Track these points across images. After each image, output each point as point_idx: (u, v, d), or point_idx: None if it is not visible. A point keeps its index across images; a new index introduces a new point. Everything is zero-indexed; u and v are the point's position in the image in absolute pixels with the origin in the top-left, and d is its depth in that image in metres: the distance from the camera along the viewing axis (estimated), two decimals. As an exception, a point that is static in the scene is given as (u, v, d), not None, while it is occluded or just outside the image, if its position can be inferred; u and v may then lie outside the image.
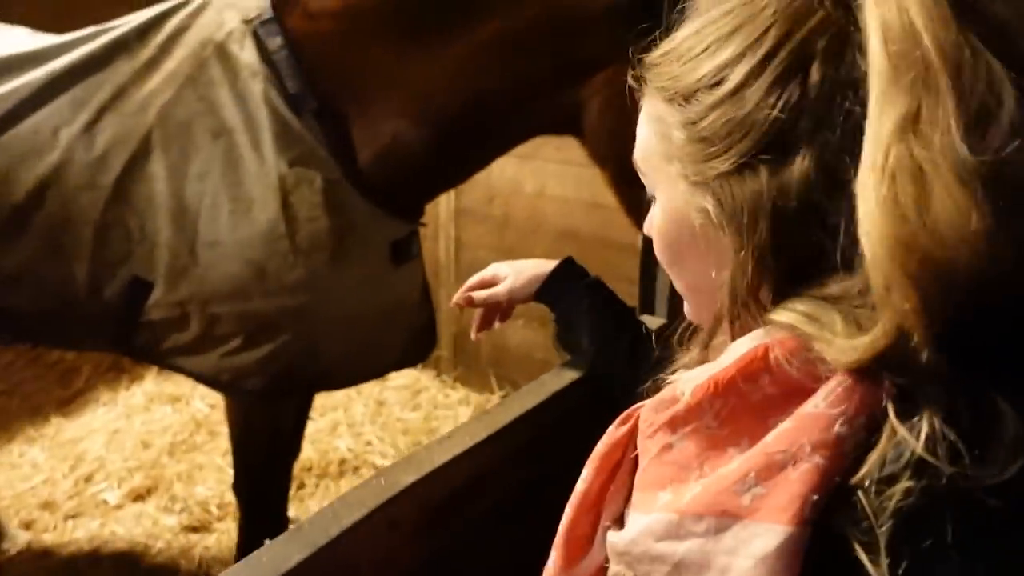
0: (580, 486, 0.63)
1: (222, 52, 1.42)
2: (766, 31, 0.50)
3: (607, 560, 0.60)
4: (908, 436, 0.42)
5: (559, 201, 2.62)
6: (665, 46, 0.58)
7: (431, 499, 0.87)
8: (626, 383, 1.00)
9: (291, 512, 2.19)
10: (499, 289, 1.10)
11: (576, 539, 0.63)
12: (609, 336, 1.02)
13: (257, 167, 1.37)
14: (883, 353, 0.43)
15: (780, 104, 0.48)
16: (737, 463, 0.49)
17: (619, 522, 0.60)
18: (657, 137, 0.57)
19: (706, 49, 0.53)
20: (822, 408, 0.46)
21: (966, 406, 0.42)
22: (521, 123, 1.45)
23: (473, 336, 1.15)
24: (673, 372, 0.73)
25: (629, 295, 1.24)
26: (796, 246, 0.49)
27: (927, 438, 0.42)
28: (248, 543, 1.86)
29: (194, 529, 2.23)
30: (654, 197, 0.61)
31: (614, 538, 0.57)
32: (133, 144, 1.40)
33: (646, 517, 0.54)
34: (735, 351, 0.52)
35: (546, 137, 2.58)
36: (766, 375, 0.49)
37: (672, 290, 1.25)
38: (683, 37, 0.56)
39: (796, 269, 0.50)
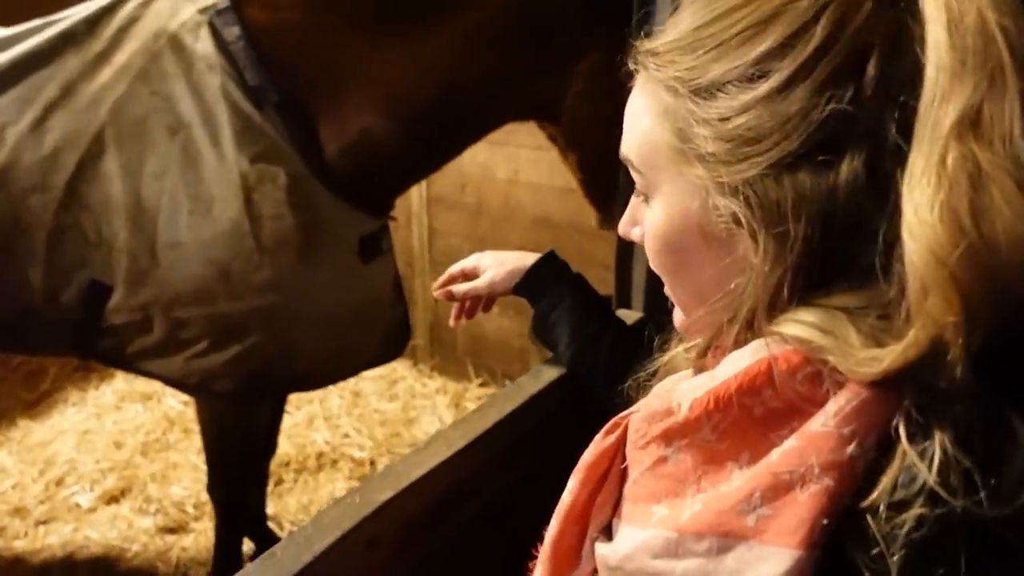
0: (567, 497, 0.61)
1: (176, 43, 1.36)
2: (815, 19, 0.45)
3: (595, 572, 0.59)
4: (919, 463, 0.41)
5: (532, 187, 2.59)
6: (670, 33, 0.53)
7: (409, 514, 0.85)
8: (607, 384, 0.98)
9: (269, 509, 2.16)
10: (479, 283, 1.08)
11: (563, 551, 0.61)
12: (591, 336, 1.00)
13: (217, 164, 1.32)
14: (911, 365, 0.41)
15: (833, 103, 0.45)
16: (741, 481, 0.47)
17: (607, 533, 0.59)
18: (669, 133, 0.52)
19: (736, 37, 0.48)
20: (831, 427, 0.44)
21: (981, 429, 0.41)
22: (493, 113, 1.42)
23: (452, 324, 1.14)
24: (654, 373, 0.71)
25: (603, 281, 1.23)
26: (833, 254, 0.46)
27: (940, 464, 0.40)
28: (225, 546, 1.84)
29: (171, 530, 2.20)
30: (646, 197, 0.57)
31: (605, 551, 0.55)
32: (85, 143, 1.34)
33: (642, 532, 0.52)
34: (735, 364, 0.50)
35: (518, 123, 2.56)
36: (768, 389, 0.47)
37: (649, 283, 1.23)
38: (695, 24, 0.51)
39: (822, 278, 0.47)
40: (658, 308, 1.21)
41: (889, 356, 0.42)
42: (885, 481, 0.42)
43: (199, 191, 1.33)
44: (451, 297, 1.12)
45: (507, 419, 0.97)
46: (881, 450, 0.43)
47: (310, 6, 1.36)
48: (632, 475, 0.55)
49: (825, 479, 0.44)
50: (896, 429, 0.42)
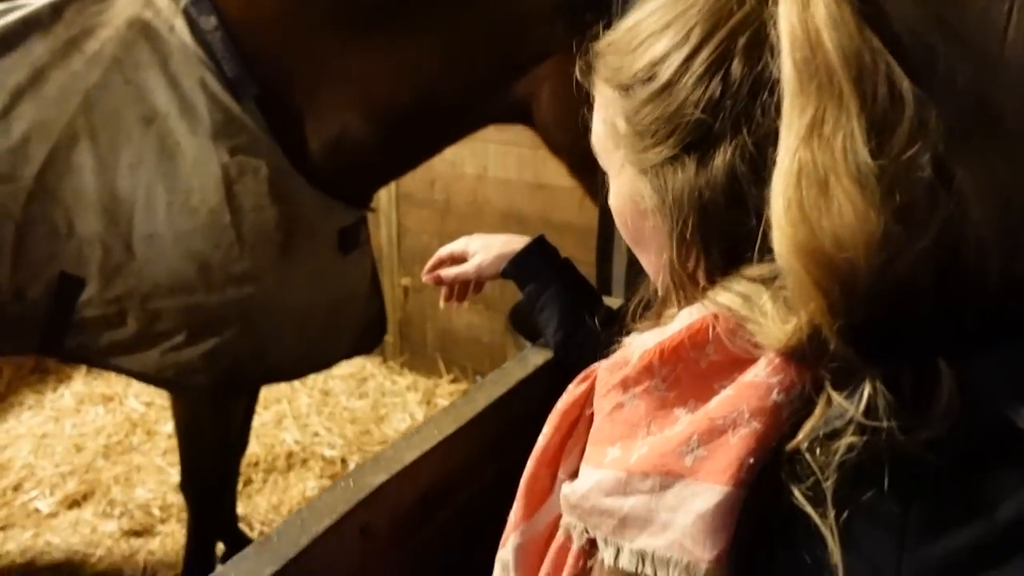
0: (541, 441, 0.67)
1: (150, 33, 1.33)
2: (693, 27, 0.51)
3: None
4: (845, 403, 0.45)
5: (501, 183, 2.60)
6: (611, 36, 0.59)
7: (403, 499, 0.85)
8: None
9: (239, 510, 2.12)
10: (467, 267, 1.09)
11: (535, 491, 0.67)
12: (579, 321, 1.01)
13: (196, 155, 1.30)
14: (805, 342, 0.46)
15: (704, 101, 0.50)
16: (681, 426, 0.53)
17: (575, 476, 0.63)
18: (605, 124, 0.59)
19: (643, 43, 0.55)
20: (761, 377, 0.49)
21: (909, 372, 0.44)
22: (471, 117, 1.43)
23: (442, 306, 1.16)
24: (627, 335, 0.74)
25: (577, 275, 1.24)
26: (724, 233, 0.52)
27: (868, 399, 0.44)
28: (197, 543, 1.80)
29: (136, 533, 2.15)
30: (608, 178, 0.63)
31: (568, 491, 0.60)
32: (55, 133, 1.30)
33: (597, 472, 0.57)
34: (681, 320, 0.55)
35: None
36: (710, 345, 0.52)
37: (628, 271, 1.25)
38: (625, 28, 0.58)
39: (728, 253, 0.52)
40: (636, 292, 1.23)
41: (785, 334, 0.46)
42: (809, 425, 0.47)
43: (177, 183, 1.30)
44: (439, 281, 1.13)
45: (496, 404, 0.98)
46: (808, 400, 0.48)
47: (291, 1, 1.35)
48: (596, 420, 0.61)
49: (753, 423, 0.49)
50: (823, 379, 0.47)
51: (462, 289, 1.13)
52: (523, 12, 1.29)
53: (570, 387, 0.67)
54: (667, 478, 0.52)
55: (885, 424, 0.43)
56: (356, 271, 1.54)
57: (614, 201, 0.61)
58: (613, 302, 1.26)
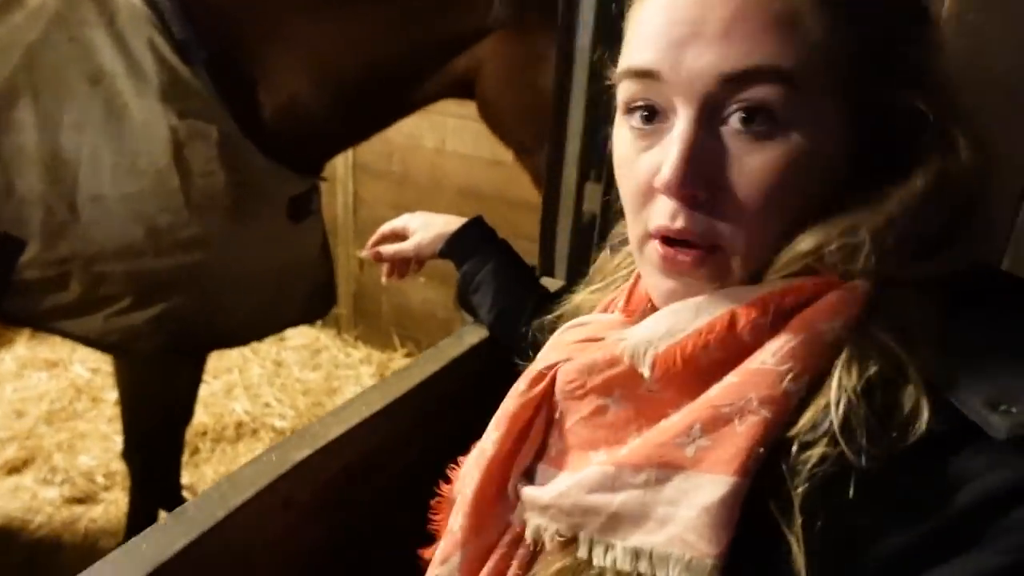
0: (489, 449, 0.60)
1: None
2: None
3: (513, 518, 0.60)
4: (833, 405, 0.44)
5: (459, 157, 2.59)
6: None
7: (327, 474, 0.84)
8: (528, 348, 1.00)
9: (185, 479, 2.11)
10: (406, 245, 1.10)
11: (486, 500, 0.61)
12: (513, 300, 1.02)
13: (144, 117, 1.28)
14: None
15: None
16: (679, 416, 0.49)
17: (529, 479, 0.59)
18: (825, 51, 0.47)
19: None
20: (770, 364, 0.47)
21: (881, 381, 0.45)
22: (417, 89, 1.42)
23: (384, 282, 1.15)
24: (559, 316, 0.73)
25: (530, 252, 1.25)
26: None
27: (845, 409, 0.44)
28: (138, 514, 1.79)
29: (79, 501, 2.12)
30: (767, 130, 0.47)
31: (535, 493, 0.56)
32: None
33: (577, 473, 0.53)
34: (695, 317, 0.50)
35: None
36: (720, 341, 0.48)
37: (572, 253, 1.26)
38: None
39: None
40: (577, 276, 1.24)
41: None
42: (808, 415, 0.46)
43: (124, 144, 1.28)
44: (379, 258, 1.13)
45: (428, 381, 0.98)
46: (810, 389, 0.46)
47: None
48: (567, 423, 0.56)
49: (763, 411, 0.46)
50: (830, 370, 0.46)
51: (402, 266, 1.13)
52: None
53: (520, 389, 0.60)
54: (664, 470, 0.48)
55: (856, 440, 0.43)
56: (307, 239, 1.54)
57: (804, 150, 0.47)
58: (556, 283, 1.27)
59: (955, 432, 0.43)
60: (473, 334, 1.07)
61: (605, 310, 0.66)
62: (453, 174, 2.61)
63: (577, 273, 1.26)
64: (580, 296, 0.73)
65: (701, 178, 0.48)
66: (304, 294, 1.58)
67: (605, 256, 0.74)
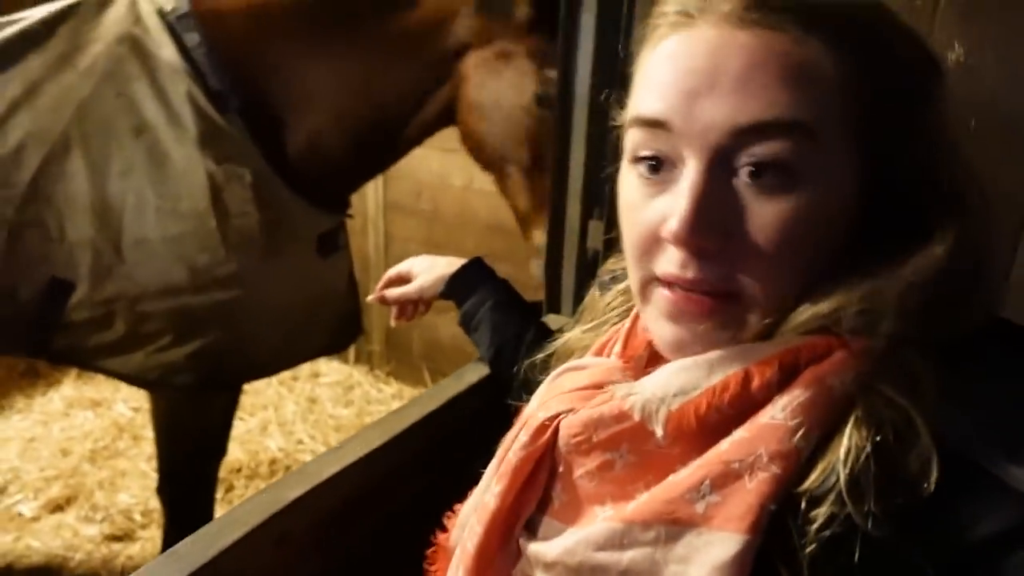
0: (492, 503, 0.58)
1: (138, 47, 1.39)
2: None
3: (515, 573, 0.59)
4: (840, 463, 0.44)
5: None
6: None
7: (322, 511, 0.86)
8: (523, 383, 1.00)
9: (219, 515, 2.15)
10: (410, 288, 1.12)
11: (488, 555, 0.59)
12: (510, 336, 1.03)
13: (184, 164, 1.36)
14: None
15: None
16: (689, 471, 0.48)
17: (531, 531, 0.58)
18: (841, 102, 0.46)
19: None
20: (780, 419, 0.46)
21: (891, 435, 0.44)
22: (421, 121, 1.49)
23: (392, 324, 1.18)
24: (550, 355, 0.73)
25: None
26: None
27: (852, 467, 0.43)
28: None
29: (117, 538, 2.17)
30: (785, 181, 0.46)
31: (540, 548, 0.55)
32: (50, 141, 1.36)
33: (584, 529, 0.52)
34: (709, 375, 0.49)
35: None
36: (733, 398, 0.48)
37: (577, 289, 1.26)
38: None
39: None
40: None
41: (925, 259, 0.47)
42: (818, 471, 0.45)
43: (165, 190, 1.36)
44: (385, 301, 1.15)
45: (426, 419, 0.98)
46: (819, 444, 0.46)
47: (252, 17, 1.41)
48: (572, 476, 0.55)
49: (773, 467, 0.45)
50: (833, 427, 0.45)
51: (409, 308, 1.16)
52: (454, 6, 1.36)
53: (523, 441, 0.58)
54: (675, 527, 0.47)
55: (865, 501, 0.42)
56: (334, 273, 1.60)
57: (816, 203, 0.46)
58: (562, 320, 1.28)
59: (965, 486, 0.43)
60: (474, 372, 1.08)
61: (600, 352, 0.64)
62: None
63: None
64: (571, 335, 0.72)
65: (711, 229, 0.47)
66: (331, 325, 1.64)
67: (594, 295, 0.73)
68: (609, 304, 0.69)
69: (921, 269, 0.46)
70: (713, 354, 0.50)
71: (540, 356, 0.75)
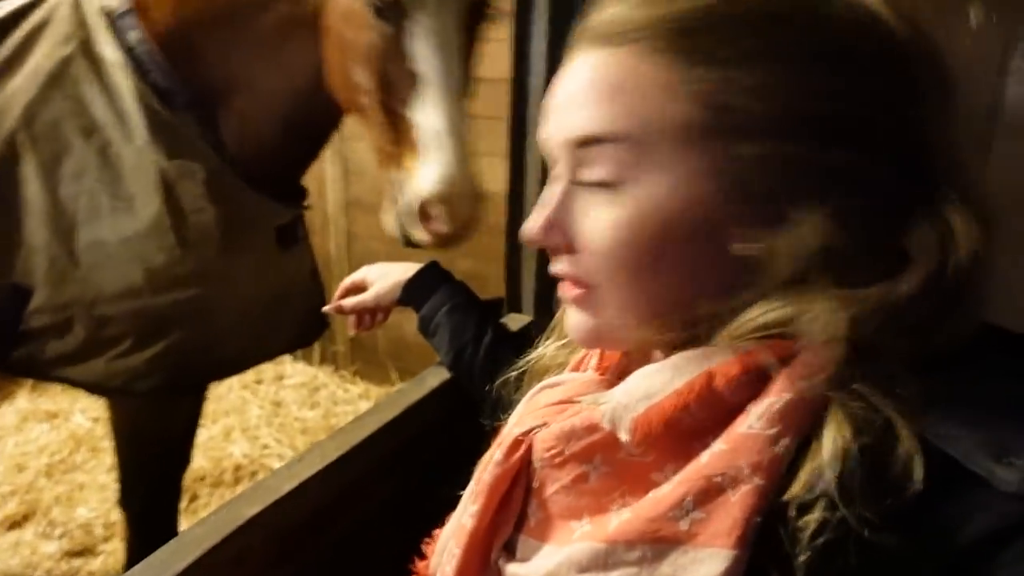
0: (469, 523, 0.58)
1: (86, 47, 1.36)
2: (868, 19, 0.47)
3: None
4: (826, 466, 0.43)
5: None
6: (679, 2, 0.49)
7: (281, 527, 0.84)
8: (483, 387, 1.00)
9: (183, 526, 2.11)
10: (366, 296, 1.11)
11: None
12: (469, 339, 1.02)
13: (135, 162, 1.33)
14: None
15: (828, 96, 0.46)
16: (670, 487, 0.47)
17: (510, 551, 0.58)
18: (693, 105, 0.47)
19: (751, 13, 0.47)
20: (757, 429, 0.45)
21: (874, 436, 0.43)
22: (333, 104, 1.41)
23: (351, 333, 1.17)
24: (523, 373, 0.72)
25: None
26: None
27: (840, 469, 0.43)
28: (137, 561, 1.79)
29: (77, 554, 2.11)
30: (612, 184, 0.50)
31: (522, 571, 0.54)
32: None
33: (565, 548, 0.51)
34: (673, 378, 0.49)
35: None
36: (700, 401, 0.47)
37: (538, 288, 1.26)
38: None
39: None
40: (546, 312, 1.24)
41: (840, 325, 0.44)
42: (803, 478, 0.44)
43: (118, 190, 1.33)
44: (342, 311, 1.14)
45: (387, 427, 0.97)
46: (799, 451, 0.45)
47: (175, 9, 1.36)
48: (547, 492, 0.55)
49: (755, 479, 0.45)
50: (812, 431, 0.45)
51: (366, 317, 1.14)
52: None
53: (497, 458, 0.58)
54: (659, 545, 0.46)
55: (856, 503, 0.42)
56: (296, 265, 1.58)
57: (646, 208, 0.49)
58: (523, 319, 1.27)
59: (951, 486, 0.42)
60: (435, 376, 1.07)
61: (577, 368, 0.64)
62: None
63: (544, 309, 1.26)
64: (544, 351, 0.71)
65: (552, 230, 0.54)
66: (296, 319, 1.62)
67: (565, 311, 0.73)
68: None
69: (883, 300, 0.45)
70: (677, 358, 0.50)
71: (514, 374, 0.74)
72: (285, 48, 1.34)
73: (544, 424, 0.56)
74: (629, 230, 0.49)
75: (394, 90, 1.20)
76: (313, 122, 1.38)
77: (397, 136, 1.22)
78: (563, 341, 0.69)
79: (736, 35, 0.47)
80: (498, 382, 0.77)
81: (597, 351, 0.62)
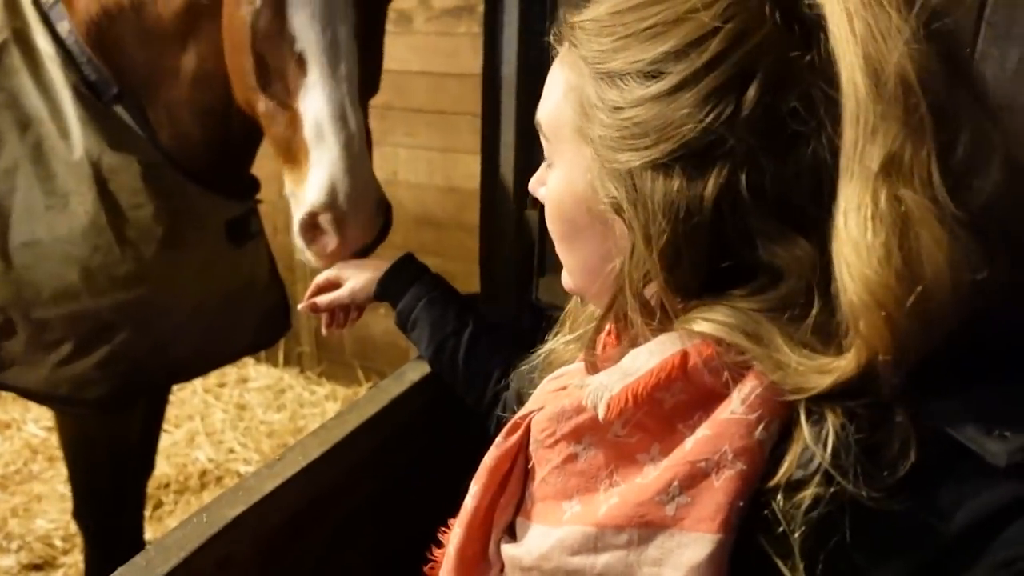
0: (469, 503, 0.60)
1: (20, 38, 1.30)
2: (714, 32, 0.47)
3: (501, 572, 0.60)
4: (815, 445, 0.44)
5: (412, 187, 2.58)
6: (593, 10, 0.54)
7: (265, 529, 0.82)
8: (467, 379, 0.99)
9: (148, 534, 2.05)
10: (340, 293, 1.09)
11: (469, 558, 0.61)
12: (449, 332, 1.01)
13: (68, 157, 1.26)
14: (848, 381, 0.44)
15: (712, 116, 0.46)
16: (657, 472, 0.49)
17: (510, 532, 0.59)
18: (573, 108, 0.54)
19: (643, 32, 0.49)
20: (740, 414, 0.47)
21: (865, 413, 0.44)
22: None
23: (324, 332, 1.15)
24: (535, 365, 0.73)
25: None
26: (700, 257, 0.48)
27: (834, 446, 0.43)
28: (97, 574, 1.73)
29: (36, 567, 2.04)
30: (550, 163, 0.59)
31: (517, 552, 0.56)
32: None
33: (556, 530, 0.53)
34: (648, 358, 0.51)
35: (395, 122, 2.51)
36: (679, 382, 0.49)
37: (518, 279, 1.25)
38: (615, 8, 0.52)
39: (699, 276, 0.49)
40: (524, 304, 1.23)
41: (836, 372, 0.43)
42: (788, 461, 0.45)
43: (53, 187, 1.26)
44: (316, 309, 1.11)
45: (368, 423, 0.96)
46: (782, 434, 0.46)
47: (99, 2, 1.31)
48: (540, 473, 0.56)
49: (738, 464, 0.46)
50: (796, 414, 0.45)
51: (341, 315, 1.12)
52: None
53: (498, 440, 0.60)
54: (647, 529, 0.48)
55: (851, 477, 0.42)
56: (251, 262, 1.51)
57: (558, 191, 0.57)
58: (499, 311, 1.26)
59: (944, 460, 0.43)
60: (415, 371, 1.06)
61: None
62: (407, 203, 2.60)
63: (521, 300, 1.26)
64: (554, 345, 0.72)
65: (537, 192, 0.63)
66: (256, 318, 1.56)
67: (576, 303, 0.73)
68: (592, 313, 0.69)
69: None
70: (656, 341, 0.52)
71: (524, 368, 0.77)
72: (193, 36, 1.27)
73: (541, 408, 0.58)
74: (551, 204, 0.58)
75: (279, 77, 1.07)
76: (238, 112, 1.27)
77: (289, 134, 1.08)
78: (573, 335, 0.71)
79: (627, 56, 0.50)
80: (511, 376, 0.82)
81: (601, 340, 0.63)
